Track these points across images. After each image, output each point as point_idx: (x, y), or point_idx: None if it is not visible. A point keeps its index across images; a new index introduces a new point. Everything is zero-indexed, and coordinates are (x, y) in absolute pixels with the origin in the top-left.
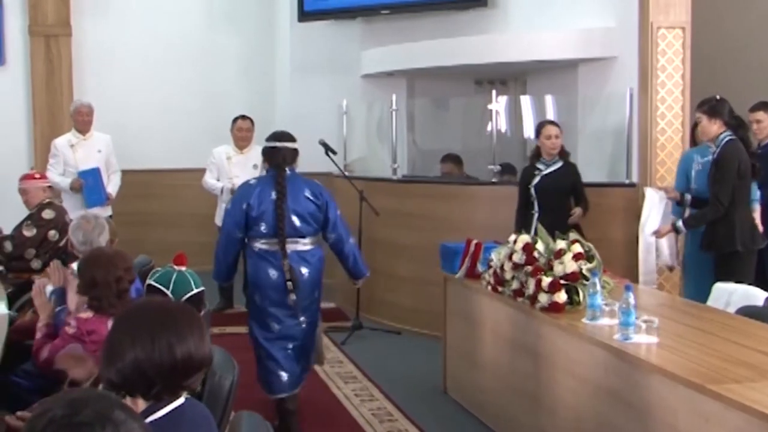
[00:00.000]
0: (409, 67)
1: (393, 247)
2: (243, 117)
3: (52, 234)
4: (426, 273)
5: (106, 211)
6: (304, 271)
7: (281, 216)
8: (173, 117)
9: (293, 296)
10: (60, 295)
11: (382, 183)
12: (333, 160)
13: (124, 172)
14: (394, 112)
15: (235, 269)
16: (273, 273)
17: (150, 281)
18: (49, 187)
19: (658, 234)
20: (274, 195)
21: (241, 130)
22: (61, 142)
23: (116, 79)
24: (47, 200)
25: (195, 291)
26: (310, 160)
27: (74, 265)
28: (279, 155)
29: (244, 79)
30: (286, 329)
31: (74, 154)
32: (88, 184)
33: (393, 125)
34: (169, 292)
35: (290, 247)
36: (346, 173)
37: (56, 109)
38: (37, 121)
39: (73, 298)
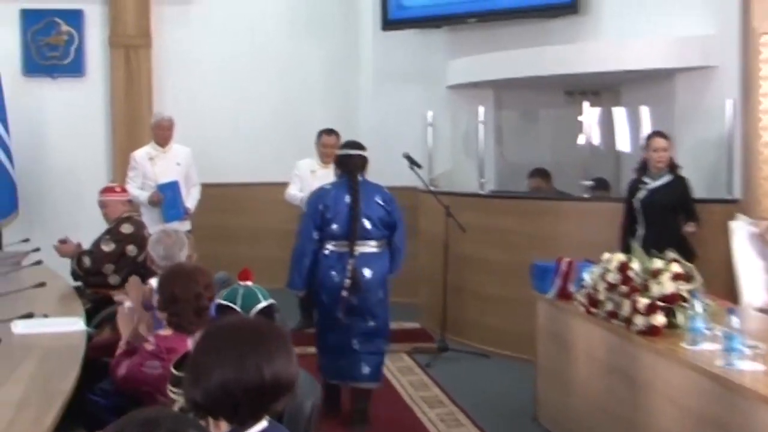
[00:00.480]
0: (496, 77)
1: (480, 264)
2: (329, 132)
3: (131, 249)
4: (515, 292)
5: (184, 226)
6: (368, 273)
7: (355, 218)
8: (255, 129)
9: (345, 293)
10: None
11: (468, 198)
12: (418, 174)
13: (204, 186)
14: (481, 125)
15: (310, 275)
16: (335, 274)
17: (218, 300)
18: (129, 201)
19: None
20: (348, 199)
21: (327, 146)
22: (140, 155)
23: (197, 90)
24: (126, 214)
25: (264, 304)
26: (394, 174)
27: (153, 281)
28: (352, 162)
29: (326, 89)
30: (353, 327)
31: (153, 167)
32: (167, 197)
33: (480, 138)
34: (238, 308)
35: (358, 249)
36: (432, 188)
37: (135, 121)
38: (116, 133)
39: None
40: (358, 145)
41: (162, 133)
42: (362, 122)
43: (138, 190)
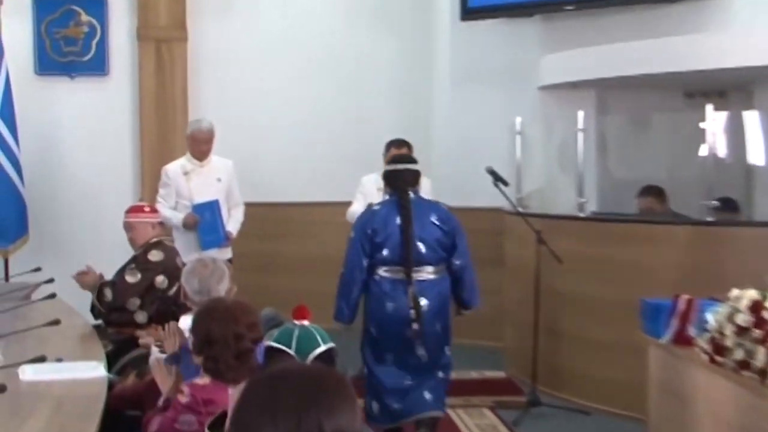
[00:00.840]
0: (599, 76)
1: (579, 302)
2: (399, 143)
3: (161, 280)
4: (622, 336)
5: (225, 254)
6: (425, 302)
7: (408, 242)
8: (309, 138)
9: (416, 326)
10: (177, 363)
11: (565, 221)
12: (503, 193)
13: (248, 206)
14: (580, 133)
15: (356, 305)
16: (389, 304)
17: (269, 342)
18: (160, 223)
19: None
20: (399, 220)
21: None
22: (173, 169)
23: (240, 92)
24: (156, 239)
25: (323, 348)
26: (475, 192)
27: (185, 319)
28: (401, 178)
29: (395, 92)
30: (404, 362)
31: (188, 183)
32: (205, 220)
33: (579, 149)
34: (292, 352)
35: (415, 276)
36: (520, 209)
37: (168, 129)
38: (145, 143)
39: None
40: (407, 159)
41: (200, 145)
42: (437, 131)
43: (170, 210)
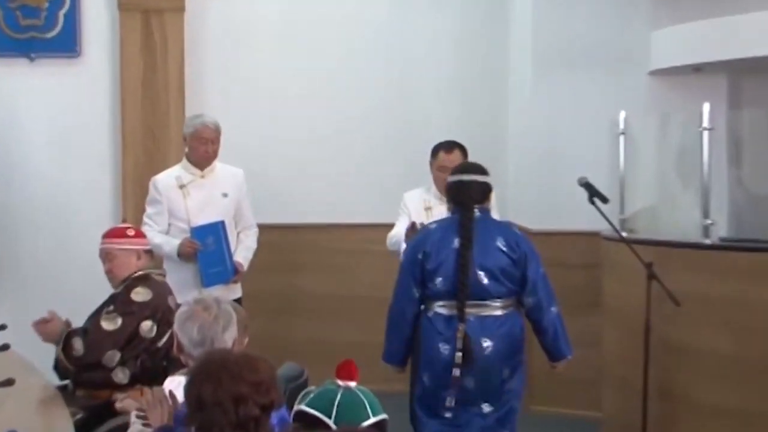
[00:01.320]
0: (731, 56)
1: (704, 357)
2: (449, 146)
3: (147, 327)
4: (760, 404)
5: (232, 292)
6: (487, 344)
7: (464, 269)
8: (341, 145)
9: (457, 371)
10: None
11: (684, 250)
12: (602, 213)
13: (263, 228)
14: (705, 132)
15: (410, 344)
16: (444, 347)
17: (300, 406)
18: (147, 251)
19: None
20: (456, 242)
21: (445, 168)
22: (165, 181)
23: (253, 81)
24: (142, 272)
25: (373, 420)
26: (565, 211)
27: (176, 381)
28: (465, 191)
29: (456, 86)
30: (462, 420)
31: (186, 199)
32: (207, 247)
33: (704, 154)
34: (331, 422)
35: (472, 311)
36: (625, 234)
37: (159, 126)
38: (129, 145)
39: None
40: (474, 168)
41: (204, 146)
42: (513, 133)
43: (161, 235)
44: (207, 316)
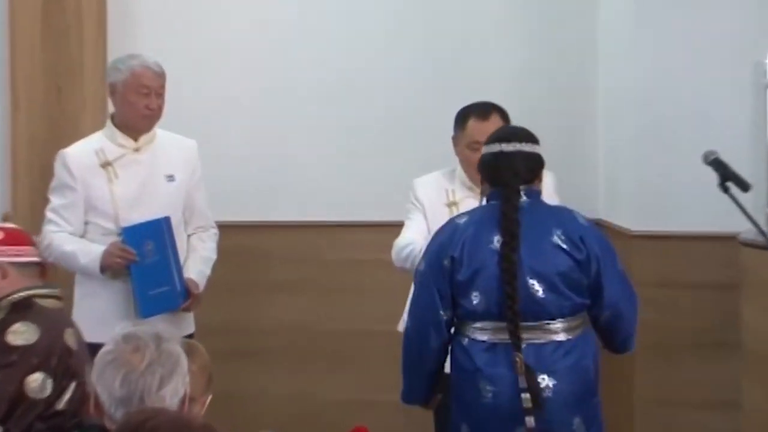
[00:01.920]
0: None
1: None
2: (484, 111)
3: (37, 383)
4: None
5: (182, 324)
6: (549, 383)
7: (510, 279)
8: (344, 108)
9: (532, 420)
10: None
11: None
12: (739, 205)
13: (228, 229)
14: None
15: (437, 379)
16: (488, 388)
17: None
18: (38, 264)
19: None
20: (497, 241)
21: (477, 145)
22: (80, 158)
23: (215, 25)
24: (26, 293)
25: None
26: (680, 207)
27: None
28: (507, 167)
29: (520, 22)
30: None
31: (111, 183)
32: (146, 258)
33: None
34: None
35: (526, 336)
36: None
37: (65, 77)
38: (20, 105)
39: None
40: (519, 134)
41: (142, 103)
42: (606, 90)
43: (74, 238)
44: (137, 360)
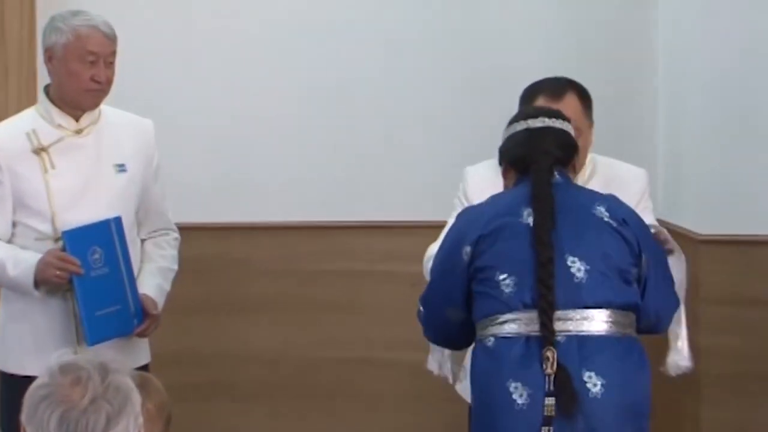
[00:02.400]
0: None
1: None
2: (556, 88)
3: None
4: None
5: (134, 353)
6: (596, 383)
7: (546, 261)
8: (345, 86)
9: (550, 430)
10: None
11: None
12: None
13: (185, 232)
14: None
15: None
16: (518, 389)
17: None
18: None
19: None
20: (528, 214)
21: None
22: (2, 141)
23: None
24: None
25: None
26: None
27: None
28: (536, 146)
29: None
30: None
31: (47, 174)
32: (91, 269)
33: None
34: None
35: (563, 326)
36: None
37: None
38: None
39: None
40: (546, 110)
41: (87, 73)
42: (666, 76)
43: (1, 244)
44: (78, 395)
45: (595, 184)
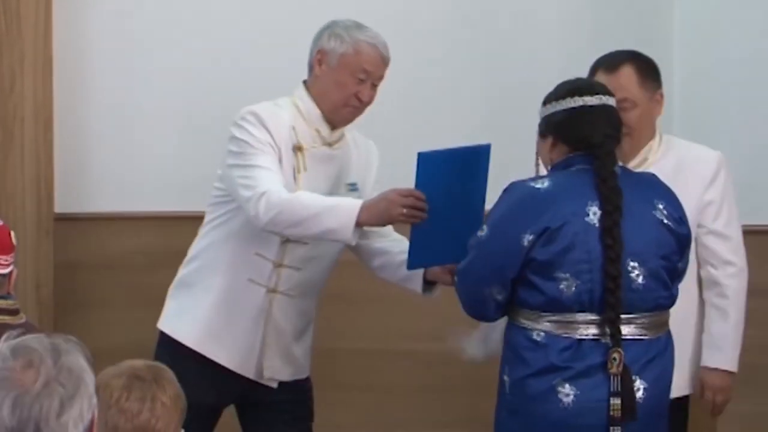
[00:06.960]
0: None
1: None
2: (612, 62)
3: None
4: None
5: (297, 367)
6: (638, 387)
7: (615, 258)
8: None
9: (619, 431)
10: None
11: None
12: None
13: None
14: None
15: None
16: (567, 389)
17: None
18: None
19: None
20: (594, 213)
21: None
22: (276, 125)
23: None
24: None
25: None
26: None
27: None
28: (596, 124)
29: None
30: None
31: (298, 175)
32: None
33: None
34: None
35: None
36: None
37: None
38: None
39: None
40: (596, 86)
41: (353, 89)
42: (682, 42)
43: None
44: (30, 379)
45: (666, 164)
